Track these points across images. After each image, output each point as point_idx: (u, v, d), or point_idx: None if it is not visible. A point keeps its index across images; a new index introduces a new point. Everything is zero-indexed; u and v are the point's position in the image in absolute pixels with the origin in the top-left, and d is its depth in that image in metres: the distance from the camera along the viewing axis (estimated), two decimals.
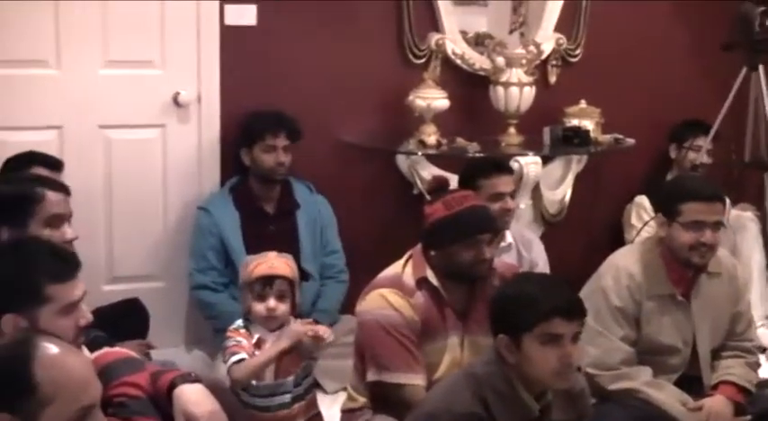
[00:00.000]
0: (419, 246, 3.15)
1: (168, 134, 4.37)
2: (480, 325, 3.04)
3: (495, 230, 3.15)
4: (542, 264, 4.21)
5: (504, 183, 3.88)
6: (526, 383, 2.49)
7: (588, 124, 4.72)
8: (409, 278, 3.09)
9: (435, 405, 2.52)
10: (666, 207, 3.38)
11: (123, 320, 3.67)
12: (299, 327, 3.14)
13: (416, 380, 3.01)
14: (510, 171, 4.02)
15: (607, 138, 4.81)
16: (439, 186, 3.22)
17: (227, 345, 3.17)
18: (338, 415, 3.34)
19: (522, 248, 4.20)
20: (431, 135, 4.46)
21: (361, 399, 3.19)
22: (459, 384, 2.53)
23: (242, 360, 3.09)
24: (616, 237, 4.96)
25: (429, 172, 4.50)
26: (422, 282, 3.07)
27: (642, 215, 4.88)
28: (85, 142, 4.21)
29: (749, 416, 3.35)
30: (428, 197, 4.14)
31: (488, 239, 3.07)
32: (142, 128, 4.33)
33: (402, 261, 3.16)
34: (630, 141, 4.84)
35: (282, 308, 3.17)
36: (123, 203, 4.32)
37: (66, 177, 3.51)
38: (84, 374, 1.85)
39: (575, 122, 4.72)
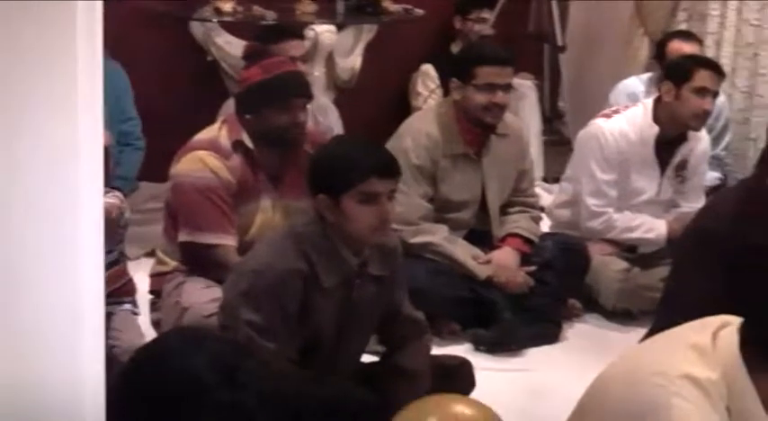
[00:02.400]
0: (234, 110, 3.20)
1: None
2: (292, 188, 3.15)
3: (310, 95, 3.24)
4: (338, 129, 4.38)
5: (294, 48, 3.96)
6: (346, 240, 2.60)
7: None
8: (225, 140, 3.14)
9: (259, 262, 2.59)
10: (461, 71, 3.59)
11: None
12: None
13: (228, 240, 3.09)
14: (300, 36, 4.10)
15: (397, 8, 4.93)
16: (255, 52, 3.27)
17: None
18: (144, 279, 3.38)
19: (317, 114, 4.32)
20: (227, 2, 4.44)
21: (172, 263, 3.24)
22: (282, 242, 2.62)
23: None
24: (403, 104, 5.14)
25: (224, 39, 4.50)
26: (237, 145, 3.14)
27: (427, 83, 5.07)
28: None
29: (534, 266, 3.66)
30: (225, 66, 4.20)
31: (303, 104, 3.16)
32: None
33: (217, 124, 3.21)
34: (420, 12, 4.99)
35: None
36: None
37: None
38: None
39: None
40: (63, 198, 1.32)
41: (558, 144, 5.33)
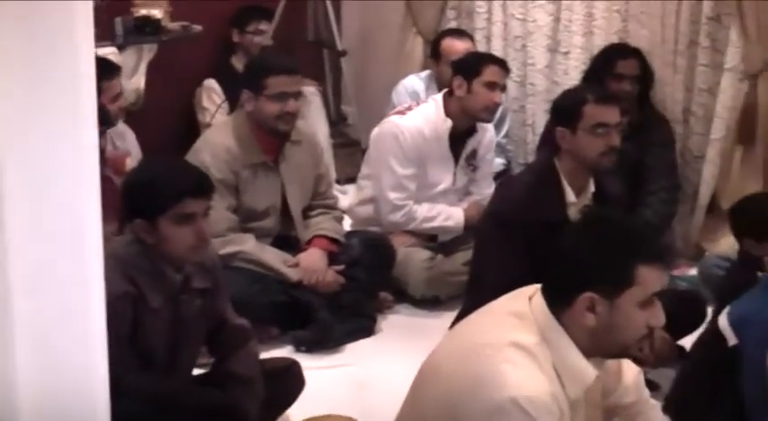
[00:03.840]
0: None
1: None
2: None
3: (109, 123, 3.27)
4: (135, 152, 4.36)
5: (115, 84, 3.98)
6: (166, 259, 2.65)
7: (157, 13, 4.83)
8: None
9: None
10: (252, 82, 3.68)
11: None
12: None
13: None
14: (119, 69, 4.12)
15: (175, 25, 4.95)
16: None
17: None
18: None
19: (115, 138, 4.30)
20: None
21: None
22: (106, 268, 2.63)
23: None
24: (191, 120, 5.16)
25: None
26: None
27: (213, 97, 5.12)
28: None
29: (342, 265, 3.79)
30: None
31: (101, 132, 3.17)
32: None
33: None
34: (198, 28, 5.02)
35: None
36: None
37: None
38: None
39: (144, 12, 4.81)
40: (72, 201, 1.48)
41: (346, 146, 5.49)
